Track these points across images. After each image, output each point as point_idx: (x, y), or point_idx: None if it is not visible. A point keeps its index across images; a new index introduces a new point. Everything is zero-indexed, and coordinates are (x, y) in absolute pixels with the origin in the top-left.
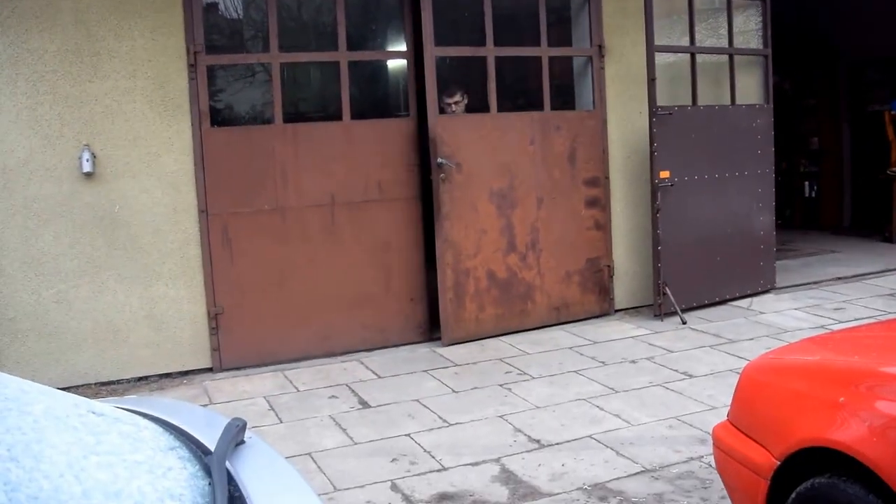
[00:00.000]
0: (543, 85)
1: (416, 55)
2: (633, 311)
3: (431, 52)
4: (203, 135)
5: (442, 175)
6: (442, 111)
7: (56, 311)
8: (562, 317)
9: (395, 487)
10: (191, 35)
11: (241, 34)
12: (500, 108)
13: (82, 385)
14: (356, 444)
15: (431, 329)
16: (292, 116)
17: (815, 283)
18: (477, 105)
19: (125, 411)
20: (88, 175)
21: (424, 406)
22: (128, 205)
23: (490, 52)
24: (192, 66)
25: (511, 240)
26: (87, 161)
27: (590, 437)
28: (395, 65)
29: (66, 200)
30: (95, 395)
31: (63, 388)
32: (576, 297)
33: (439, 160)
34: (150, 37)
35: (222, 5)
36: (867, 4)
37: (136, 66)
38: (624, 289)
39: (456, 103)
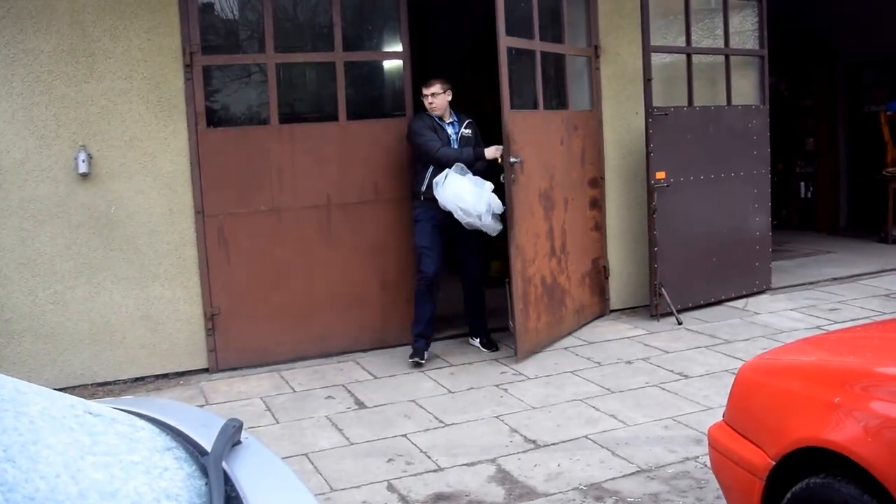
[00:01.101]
0: (567, 83)
1: (412, 55)
2: (629, 311)
3: (504, 43)
4: (199, 135)
5: (512, 175)
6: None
7: (52, 311)
8: (581, 321)
9: (391, 488)
10: (186, 35)
11: (237, 34)
12: (529, 106)
13: (79, 386)
14: (352, 444)
15: (518, 350)
16: (288, 117)
17: (811, 283)
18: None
19: (121, 412)
20: (84, 176)
21: (420, 406)
22: (124, 206)
23: (537, 45)
24: (188, 67)
25: (552, 243)
26: (83, 162)
27: (586, 437)
28: (391, 65)
29: (62, 201)
30: (92, 396)
31: (59, 389)
32: (588, 300)
33: (512, 159)
34: (146, 37)
35: (218, 6)
36: (864, 5)
37: (132, 66)
38: (619, 289)
39: (434, 95)
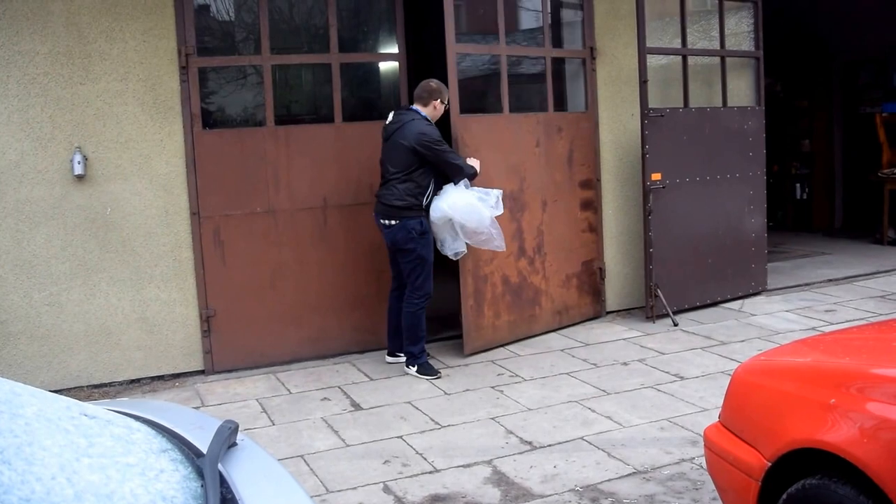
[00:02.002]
0: (547, 86)
1: (408, 57)
2: (625, 312)
3: (453, 49)
4: (195, 137)
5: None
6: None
7: (48, 313)
8: (563, 321)
9: (387, 489)
10: (182, 37)
11: (233, 36)
12: (513, 109)
13: (74, 387)
14: (348, 446)
15: (464, 344)
16: (284, 118)
17: (807, 284)
18: (487, 106)
19: (117, 414)
20: (80, 177)
21: (416, 408)
22: (119, 207)
23: (503, 50)
24: (184, 69)
25: (521, 244)
26: (79, 163)
27: (581, 438)
28: (387, 67)
29: (57, 203)
30: (88, 398)
31: (55, 391)
32: (574, 301)
33: None
34: (142, 39)
35: (214, 7)
36: (860, 6)
37: (128, 68)
38: (615, 291)
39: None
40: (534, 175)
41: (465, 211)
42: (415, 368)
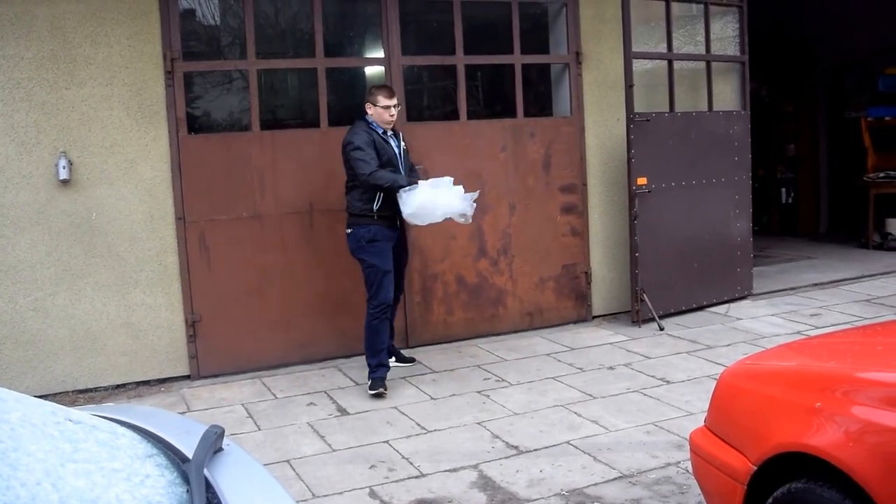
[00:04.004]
0: (517, 92)
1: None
2: (611, 317)
3: (398, 62)
4: (180, 142)
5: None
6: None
7: (33, 318)
8: (535, 322)
9: (373, 494)
10: (167, 42)
11: (219, 41)
12: (472, 116)
13: (60, 393)
14: (334, 450)
15: (409, 336)
16: (270, 123)
17: (792, 289)
18: (450, 113)
19: (102, 419)
20: (65, 182)
21: (402, 413)
22: (104, 212)
23: (460, 60)
24: (169, 73)
25: (482, 245)
26: (64, 168)
27: (568, 443)
28: (373, 72)
29: (42, 208)
30: (73, 403)
31: (40, 396)
32: (550, 303)
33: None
34: (127, 43)
35: (199, 12)
36: (846, 11)
37: (113, 72)
38: (601, 295)
39: (396, 107)
40: (497, 179)
41: (428, 209)
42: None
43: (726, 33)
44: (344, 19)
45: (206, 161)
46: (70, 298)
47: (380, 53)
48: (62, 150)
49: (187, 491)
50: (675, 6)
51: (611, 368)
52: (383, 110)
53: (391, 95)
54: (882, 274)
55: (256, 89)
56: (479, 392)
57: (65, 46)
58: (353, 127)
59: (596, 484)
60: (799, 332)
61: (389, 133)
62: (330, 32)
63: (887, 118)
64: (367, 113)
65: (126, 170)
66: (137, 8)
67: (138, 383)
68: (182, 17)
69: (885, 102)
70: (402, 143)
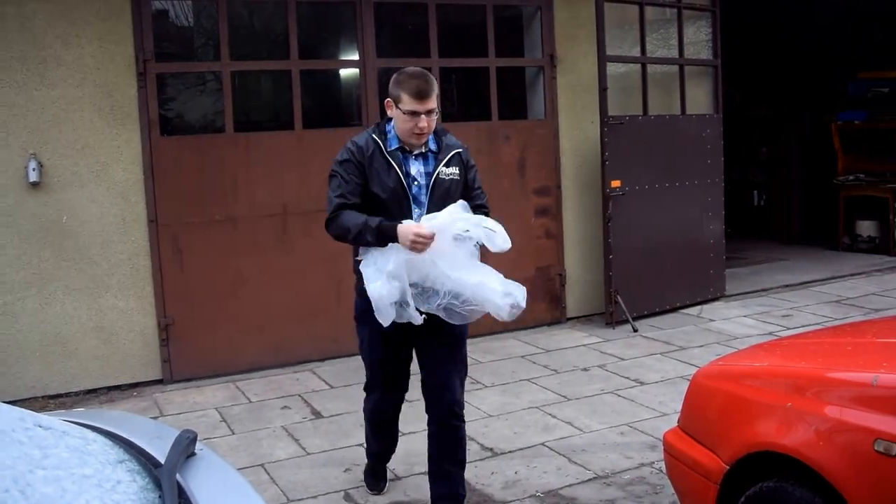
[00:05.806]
0: (491, 95)
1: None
2: (585, 319)
3: (373, 64)
4: (153, 144)
5: None
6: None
7: (2, 323)
8: (510, 324)
9: (348, 497)
10: (140, 43)
11: (192, 42)
12: (447, 119)
13: (30, 398)
14: (309, 454)
15: None
16: (244, 125)
17: (764, 290)
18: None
19: (73, 424)
20: (35, 185)
21: None
22: (76, 215)
23: (435, 63)
24: (142, 75)
25: None
26: (34, 170)
27: (542, 444)
28: (348, 74)
29: (11, 211)
30: (43, 409)
31: (9, 402)
32: (525, 305)
33: None
34: (99, 44)
35: (172, 13)
36: (818, 14)
37: (85, 74)
38: (575, 297)
39: (429, 113)
40: None
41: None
42: None
43: (700, 37)
44: (319, 21)
45: (179, 163)
46: (40, 302)
47: (355, 56)
48: (32, 153)
49: (160, 496)
50: (648, 10)
51: (585, 370)
52: (408, 117)
53: (423, 96)
54: (852, 275)
55: (230, 91)
56: None
57: (34, 47)
58: (359, 134)
59: (571, 485)
60: (771, 333)
61: (415, 151)
62: (304, 34)
63: (857, 122)
64: (386, 114)
65: (98, 172)
66: (109, 8)
67: (110, 388)
68: (155, 17)
69: (854, 107)
70: (448, 170)
